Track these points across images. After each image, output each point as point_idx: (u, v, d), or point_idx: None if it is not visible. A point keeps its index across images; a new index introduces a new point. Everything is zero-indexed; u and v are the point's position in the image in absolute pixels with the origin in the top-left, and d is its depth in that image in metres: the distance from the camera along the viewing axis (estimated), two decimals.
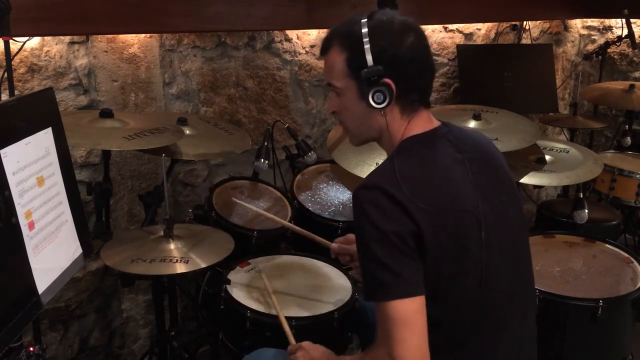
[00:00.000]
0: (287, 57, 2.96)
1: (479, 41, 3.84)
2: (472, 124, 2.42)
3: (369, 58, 1.33)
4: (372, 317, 1.45)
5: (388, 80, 1.34)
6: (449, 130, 1.44)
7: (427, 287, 1.30)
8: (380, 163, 2.23)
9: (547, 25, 4.18)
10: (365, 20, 1.35)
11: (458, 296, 1.34)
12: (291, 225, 2.12)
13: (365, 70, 1.33)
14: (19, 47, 2.09)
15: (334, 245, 1.88)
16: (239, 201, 2.28)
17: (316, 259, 2.21)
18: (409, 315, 1.26)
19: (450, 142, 1.41)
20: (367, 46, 1.33)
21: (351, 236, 1.86)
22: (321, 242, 1.96)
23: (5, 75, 1.78)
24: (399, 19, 1.37)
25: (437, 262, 1.29)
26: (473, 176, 1.38)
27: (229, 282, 1.99)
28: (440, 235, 1.28)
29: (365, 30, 1.33)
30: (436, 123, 1.45)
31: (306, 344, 1.60)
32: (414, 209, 1.26)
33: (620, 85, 3.49)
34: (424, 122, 1.42)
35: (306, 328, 1.83)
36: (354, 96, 1.39)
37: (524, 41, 4.03)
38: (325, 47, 1.43)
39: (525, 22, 3.98)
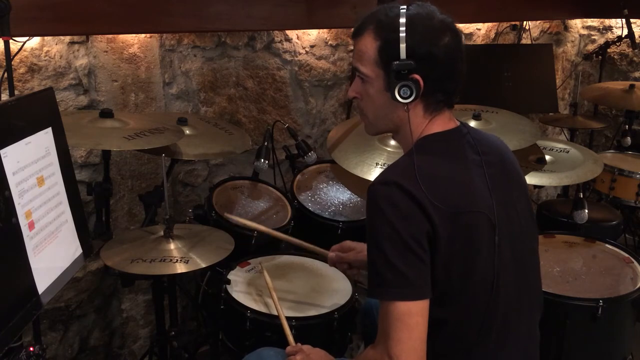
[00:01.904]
0: (287, 57, 2.96)
1: (479, 41, 3.84)
2: (472, 124, 2.41)
3: (403, 51, 1.29)
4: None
5: (417, 77, 1.30)
6: (468, 132, 1.43)
7: (437, 287, 1.29)
8: (380, 163, 2.26)
9: (547, 25, 4.18)
10: (405, 10, 1.30)
11: (467, 298, 1.33)
12: (286, 236, 2.07)
13: (397, 62, 1.29)
14: (19, 47, 2.08)
15: (331, 254, 1.86)
16: (232, 217, 2.13)
17: (316, 259, 2.21)
18: (410, 317, 1.25)
19: (469, 143, 1.40)
20: (402, 36, 1.28)
21: (347, 244, 1.85)
22: (318, 252, 1.94)
23: (5, 75, 1.78)
24: (439, 17, 1.34)
25: (448, 262, 1.28)
26: (489, 179, 1.36)
27: (228, 282, 1.99)
28: (454, 235, 1.27)
29: (403, 20, 1.29)
30: (456, 123, 1.43)
31: (306, 347, 1.59)
32: (431, 207, 1.25)
33: (620, 85, 3.49)
34: (444, 121, 1.40)
35: (306, 328, 1.83)
36: (379, 86, 1.36)
37: (524, 41, 4.02)
38: (359, 30, 1.37)
39: (525, 22, 3.98)
